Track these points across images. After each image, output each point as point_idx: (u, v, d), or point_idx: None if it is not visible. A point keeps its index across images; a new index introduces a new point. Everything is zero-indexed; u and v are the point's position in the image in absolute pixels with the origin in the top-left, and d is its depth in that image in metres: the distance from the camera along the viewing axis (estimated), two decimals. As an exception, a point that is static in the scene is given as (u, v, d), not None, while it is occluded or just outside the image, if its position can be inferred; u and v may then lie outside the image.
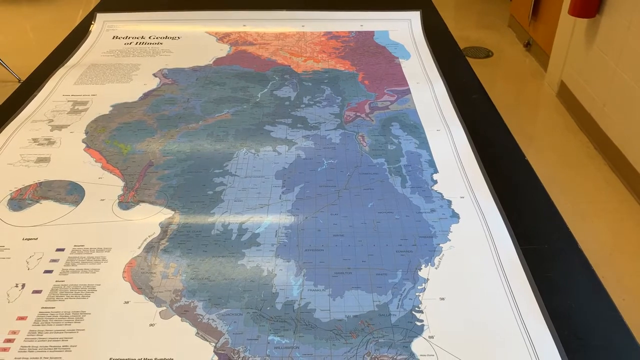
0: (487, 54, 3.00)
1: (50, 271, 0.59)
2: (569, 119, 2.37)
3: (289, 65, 1.04)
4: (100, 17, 1.21)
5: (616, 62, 2.02)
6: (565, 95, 2.45)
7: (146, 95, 0.94)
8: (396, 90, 0.95)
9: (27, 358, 0.49)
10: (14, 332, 0.52)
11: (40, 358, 0.49)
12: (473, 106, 0.91)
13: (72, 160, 0.77)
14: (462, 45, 1.07)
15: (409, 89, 0.95)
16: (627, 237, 1.75)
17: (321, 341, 0.51)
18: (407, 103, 0.91)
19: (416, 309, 0.54)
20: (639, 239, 1.74)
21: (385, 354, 0.50)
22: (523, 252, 0.61)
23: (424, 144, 0.80)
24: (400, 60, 1.06)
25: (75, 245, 0.62)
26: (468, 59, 1.08)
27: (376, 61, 1.05)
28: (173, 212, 0.67)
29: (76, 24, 1.24)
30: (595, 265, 0.61)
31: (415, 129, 0.83)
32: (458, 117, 0.86)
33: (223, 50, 1.10)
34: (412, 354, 0.50)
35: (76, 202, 0.69)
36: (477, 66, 0.99)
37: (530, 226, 0.66)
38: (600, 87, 2.14)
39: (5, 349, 0.50)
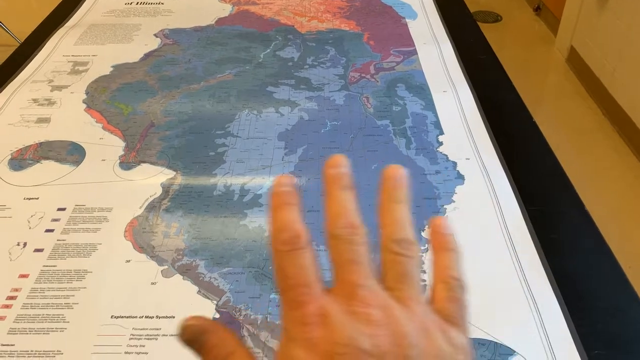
0: (495, 18, 2.94)
1: (51, 230, 0.58)
2: (578, 84, 2.34)
3: (293, 25, 1.01)
4: (99, -24, 1.18)
5: (628, 26, 1.97)
6: (575, 61, 2.40)
7: (147, 55, 0.92)
8: (402, 50, 0.92)
9: (30, 315, 0.50)
10: (16, 290, 0.52)
11: (43, 315, 0.50)
12: (481, 68, 0.89)
13: (73, 120, 0.76)
14: (470, 9, 1.04)
15: (415, 49, 0.93)
16: (634, 204, 1.74)
17: (323, 300, 0.51)
18: (414, 64, 0.89)
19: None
20: (646, 206, 1.73)
21: (387, 313, 0.49)
22: (528, 214, 0.60)
23: (429, 105, 0.78)
24: (407, 20, 1.03)
25: (76, 205, 0.61)
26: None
27: (382, 21, 1.02)
28: (175, 173, 0.66)
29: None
30: (601, 232, 0.60)
31: (421, 90, 0.82)
32: (465, 78, 0.84)
33: (225, 10, 1.08)
34: (414, 313, 0.49)
35: (77, 162, 0.68)
36: (486, 31, 0.97)
37: (536, 188, 0.65)
38: (611, 52, 2.09)
39: (7, 306, 0.50)
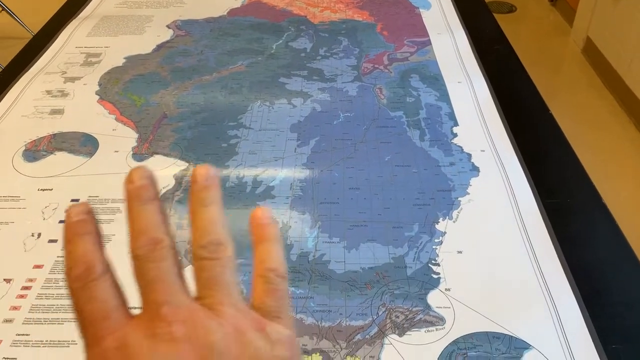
0: (510, 8, 2.90)
1: (65, 221, 0.58)
2: (594, 76, 2.30)
3: (305, 16, 1.01)
4: (112, -33, 1.18)
5: (647, 16, 1.93)
6: (591, 52, 2.37)
7: (159, 47, 0.92)
8: (416, 41, 0.91)
9: (44, 305, 0.50)
10: (30, 280, 0.52)
11: (57, 305, 0.50)
12: (496, 58, 0.88)
13: (86, 112, 0.76)
14: (484, -2, 1.03)
15: (429, 39, 0.92)
16: (649, 197, 1.72)
17: (336, 292, 0.50)
18: (428, 54, 0.87)
19: (432, 261, 0.53)
20: (662, 199, 1.70)
21: (401, 305, 0.49)
22: (545, 207, 0.59)
23: (444, 96, 0.77)
24: (421, 10, 1.02)
25: (89, 196, 0.62)
26: (490, 12, 1.04)
27: (395, 11, 1.01)
28: (187, 164, 0.66)
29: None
30: (619, 225, 0.59)
31: (435, 80, 0.81)
32: (480, 68, 0.83)
33: (237, 0, 1.07)
34: (427, 306, 0.49)
35: (90, 154, 0.68)
36: (500, 21, 0.95)
37: (553, 180, 0.64)
38: (628, 43, 2.06)
39: (22, 296, 0.51)
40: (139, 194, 0.26)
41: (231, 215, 0.58)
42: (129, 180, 0.26)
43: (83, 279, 0.24)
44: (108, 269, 0.25)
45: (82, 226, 0.26)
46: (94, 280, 0.24)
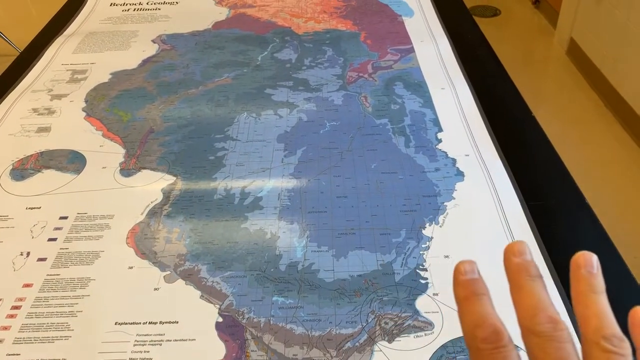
0: (494, 12, 2.93)
1: (54, 239, 0.59)
2: (579, 76, 2.33)
3: (290, 27, 1.02)
4: (96, -17, 1.18)
5: (627, 16, 1.96)
6: (575, 53, 2.39)
7: (145, 61, 0.92)
8: (399, 49, 0.92)
9: (35, 324, 0.50)
10: (20, 299, 0.52)
11: (47, 323, 0.50)
12: (479, 63, 0.89)
13: (73, 129, 0.76)
14: (468, 3, 1.05)
15: (412, 47, 0.93)
16: (638, 196, 1.73)
17: (325, 301, 0.51)
18: (411, 62, 0.89)
19: (420, 267, 0.54)
20: (650, 196, 1.72)
21: (390, 311, 0.50)
22: (529, 209, 0.60)
23: (428, 102, 0.78)
24: (404, 18, 1.03)
25: (78, 213, 0.62)
26: (475, 18, 1.05)
27: (378, 20, 1.02)
28: (175, 178, 0.67)
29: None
30: (606, 225, 0.60)
31: (419, 87, 0.82)
32: (463, 74, 0.84)
33: (222, 13, 1.08)
34: (416, 311, 0.49)
35: (78, 171, 0.68)
36: (484, 25, 0.97)
37: (537, 183, 0.65)
38: (611, 42, 2.09)
39: (12, 316, 0.51)
40: (527, 268, 0.27)
41: (220, 228, 0.59)
42: (512, 252, 0.28)
43: (493, 342, 0.25)
44: (511, 340, 0.25)
45: (478, 286, 0.27)
46: (504, 347, 0.25)
